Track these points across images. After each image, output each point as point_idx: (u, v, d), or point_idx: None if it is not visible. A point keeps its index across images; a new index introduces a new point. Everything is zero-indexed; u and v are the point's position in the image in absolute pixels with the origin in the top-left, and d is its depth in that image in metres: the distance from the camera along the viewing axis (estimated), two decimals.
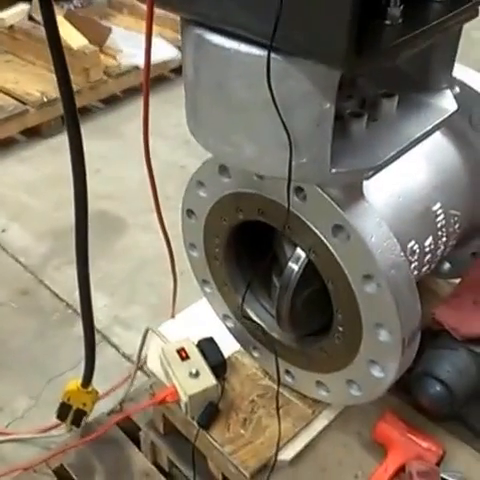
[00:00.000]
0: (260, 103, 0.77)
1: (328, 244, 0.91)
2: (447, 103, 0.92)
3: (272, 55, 0.70)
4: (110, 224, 2.36)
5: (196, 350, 1.22)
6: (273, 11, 0.64)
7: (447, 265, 1.28)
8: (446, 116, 0.90)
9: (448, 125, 1.08)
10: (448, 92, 0.94)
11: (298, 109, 0.75)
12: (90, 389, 1.39)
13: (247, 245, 1.13)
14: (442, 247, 1.12)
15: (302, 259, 0.97)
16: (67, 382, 1.40)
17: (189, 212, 1.16)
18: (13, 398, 1.72)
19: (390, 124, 0.87)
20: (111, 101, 3.14)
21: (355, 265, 0.90)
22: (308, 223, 0.92)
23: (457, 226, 1.13)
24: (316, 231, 0.91)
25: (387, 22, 0.69)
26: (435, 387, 1.04)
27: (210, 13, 0.76)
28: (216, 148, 0.91)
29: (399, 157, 0.85)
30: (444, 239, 1.11)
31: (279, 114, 0.74)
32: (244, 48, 0.75)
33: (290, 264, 0.99)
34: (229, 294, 1.19)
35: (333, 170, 0.79)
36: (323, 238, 0.91)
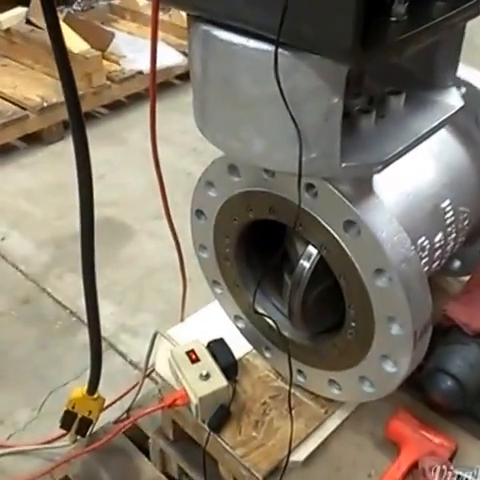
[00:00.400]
0: (268, 98, 0.83)
1: (339, 240, 0.98)
2: (453, 100, 1.00)
3: (279, 50, 0.77)
4: (115, 231, 2.44)
5: (206, 352, 1.27)
6: (280, 5, 0.71)
7: (457, 263, 1.35)
8: (452, 112, 0.97)
9: (455, 125, 1.17)
10: (454, 89, 1.02)
11: (306, 104, 0.82)
12: (96, 396, 1.43)
13: (257, 244, 1.19)
14: (452, 243, 1.19)
15: (314, 256, 1.03)
16: (71, 390, 1.44)
17: (199, 213, 1.23)
18: (14, 409, 1.77)
19: (398, 120, 0.94)
20: (115, 107, 3.24)
21: (366, 260, 0.97)
22: (319, 219, 0.98)
23: (466, 223, 1.20)
24: (327, 227, 0.98)
25: (392, 19, 0.76)
26: (447, 382, 1.10)
27: (217, 9, 0.82)
28: (225, 144, 0.97)
29: (407, 152, 0.92)
30: (453, 235, 1.18)
31: (288, 108, 0.81)
32: (251, 43, 0.81)
33: (302, 261, 1.05)
34: (240, 294, 1.26)
35: (343, 164, 0.86)
36: (334, 234, 0.98)
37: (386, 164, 0.90)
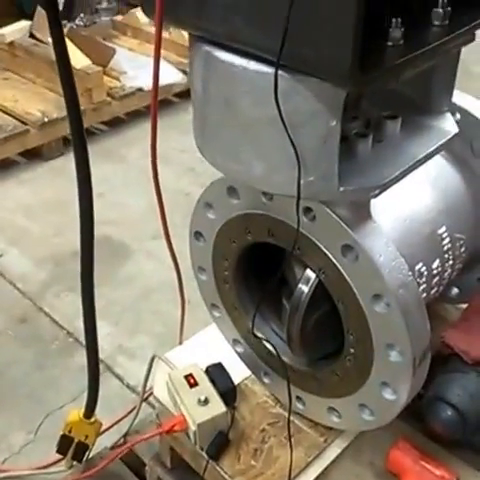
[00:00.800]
0: (267, 120, 0.86)
1: (338, 264, 0.99)
2: (448, 125, 1.03)
3: (279, 72, 0.79)
4: (114, 250, 2.47)
5: (205, 376, 1.29)
6: (280, 29, 0.74)
7: (455, 290, 1.37)
8: (448, 138, 1.00)
9: (450, 151, 1.20)
10: (449, 115, 1.04)
11: (305, 126, 0.85)
12: (93, 420, 1.44)
13: (256, 267, 1.21)
14: (449, 270, 1.21)
15: (312, 280, 1.05)
16: (68, 413, 1.45)
17: (197, 234, 1.25)
18: (9, 432, 1.79)
19: (394, 145, 0.97)
20: (114, 123, 3.29)
21: (365, 285, 0.98)
22: (317, 243, 1.00)
23: (463, 249, 1.23)
24: (325, 251, 1.00)
25: (389, 43, 0.79)
26: (446, 411, 1.11)
27: (218, 30, 0.85)
28: (224, 165, 1.00)
29: (404, 177, 0.95)
30: (451, 262, 1.20)
31: (287, 131, 0.83)
32: (252, 65, 0.84)
33: (300, 285, 1.07)
34: (239, 318, 1.27)
35: (341, 188, 0.89)
36: (332, 258, 1.00)
37: (383, 188, 0.92)
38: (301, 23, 0.73)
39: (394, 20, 0.77)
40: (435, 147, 0.97)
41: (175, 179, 2.71)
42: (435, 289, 1.20)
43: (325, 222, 0.98)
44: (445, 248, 1.18)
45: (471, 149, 1.22)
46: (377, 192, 0.92)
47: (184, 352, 1.46)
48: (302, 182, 0.88)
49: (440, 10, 0.83)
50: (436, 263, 1.17)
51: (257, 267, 1.21)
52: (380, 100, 0.99)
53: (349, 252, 0.97)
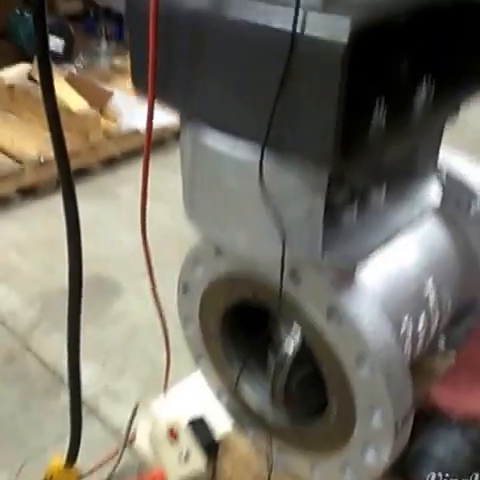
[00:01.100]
0: (252, 196, 0.87)
1: (321, 326, 0.98)
2: (433, 192, 1.04)
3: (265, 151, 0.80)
4: (104, 288, 2.43)
5: (187, 429, 1.27)
6: (265, 118, 0.75)
7: (442, 342, 1.36)
8: (431, 205, 1.01)
9: (438, 209, 1.19)
10: (434, 180, 1.05)
11: (290, 202, 0.85)
12: (74, 469, 1.41)
13: (243, 322, 1.20)
14: (435, 325, 1.20)
15: (296, 340, 1.04)
16: (50, 458, 1.42)
17: (185, 287, 1.24)
18: None
19: (379, 213, 0.98)
20: (110, 163, 3.30)
21: (348, 347, 0.97)
22: (302, 305, 1.00)
23: (449, 305, 1.22)
24: (310, 313, 0.99)
25: (372, 123, 0.77)
26: (430, 467, 1.09)
27: (206, 114, 0.86)
28: (212, 234, 1.02)
29: (387, 245, 0.95)
30: (437, 318, 1.20)
31: (271, 210, 0.84)
32: (238, 147, 0.85)
33: (285, 345, 1.06)
34: (224, 371, 1.25)
35: (325, 258, 0.88)
36: (316, 320, 0.99)
37: (366, 258, 0.92)
38: (285, 113, 0.74)
39: (377, 100, 0.76)
40: (418, 215, 0.98)
41: (168, 217, 2.70)
42: (421, 345, 1.19)
43: (310, 285, 0.98)
44: (431, 304, 1.18)
45: (458, 206, 1.22)
46: (360, 262, 0.91)
47: (168, 402, 1.44)
48: (286, 251, 0.87)
49: (424, 89, 0.83)
50: (422, 319, 1.16)
51: (244, 322, 1.20)
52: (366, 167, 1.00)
53: (333, 315, 0.97)
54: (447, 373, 1.29)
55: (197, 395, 1.37)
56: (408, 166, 1.05)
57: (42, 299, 2.39)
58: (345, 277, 0.98)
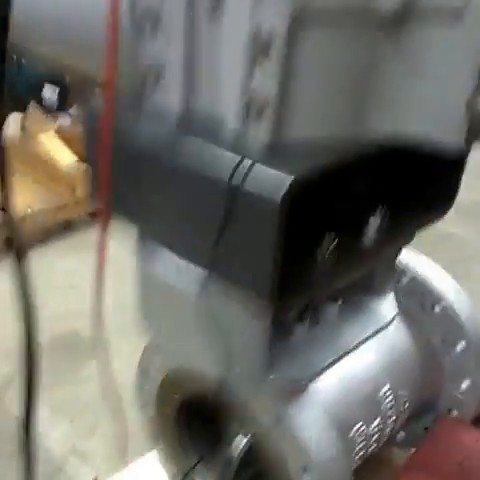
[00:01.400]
0: (195, 322, 0.87)
1: (269, 433, 0.97)
2: (389, 308, 1.02)
3: (210, 277, 0.80)
4: (79, 345, 2.40)
5: None
6: (209, 244, 0.74)
7: (402, 435, 1.33)
8: (386, 322, 0.99)
9: (400, 309, 1.18)
10: (390, 296, 1.04)
11: (234, 325, 0.85)
12: None
13: (198, 414, 1.18)
14: (391, 426, 1.18)
15: (243, 444, 1.03)
16: None
17: (144, 373, 1.23)
18: None
19: (331, 329, 0.96)
20: (96, 216, 3.26)
21: (294, 456, 0.96)
22: (251, 412, 0.98)
23: (407, 405, 1.20)
24: (257, 418, 0.98)
25: (318, 257, 0.72)
26: None
27: (153, 232, 0.88)
28: (161, 340, 1.04)
29: (338, 362, 0.94)
30: (393, 418, 1.17)
31: (213, 333, 0.84)
32: (185, 268, 0.85)
33: (233, 445, 1.04)
34: (178, 459, 1.23)
35: (271, 376, 0.87)
36: (265, 427, 0.97)
37: (314, 378, 0.91)
38: (228, 245, 0.74)
39: (325, 236, 0.71)
40: (372, 332, 0.96)
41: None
42: (374, 446, 1.17)
43: (258, 394, 0.96)
44: (388, 406, 1.15)
45: (421, 306, 1.20)
46: (307, 381, 0.90)
47: (128, 477, 1.41)
48: (230, 373, 0.87)
49: (376, 219, 0.78)
50: (376, 421, 1.13)
51: (199, 415, 1.18)
52: None
53: (280, 425, 0.95)
54: (403, 470, 1.26)
55: (158, 470, 1.34)
56: (364, 282, 1.03)
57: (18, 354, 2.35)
58: (294, 388, 0.97)
